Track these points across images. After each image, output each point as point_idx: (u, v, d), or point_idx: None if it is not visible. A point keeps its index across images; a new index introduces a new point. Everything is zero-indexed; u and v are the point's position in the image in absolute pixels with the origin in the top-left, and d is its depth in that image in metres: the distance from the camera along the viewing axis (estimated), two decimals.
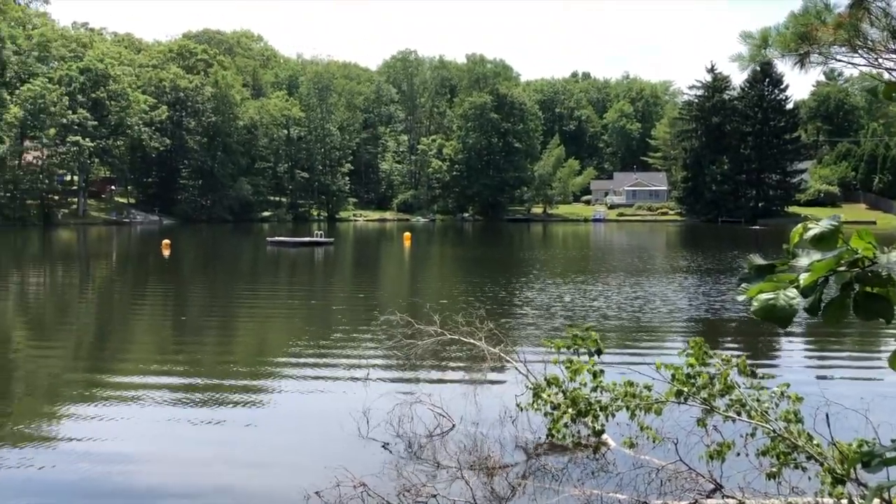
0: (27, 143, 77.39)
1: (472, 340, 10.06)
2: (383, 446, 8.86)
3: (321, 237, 50.96)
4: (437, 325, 10.20)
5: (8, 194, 75.38)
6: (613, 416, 8.31)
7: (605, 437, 8.62)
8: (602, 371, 8.59)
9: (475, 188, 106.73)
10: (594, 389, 8.52)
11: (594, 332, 8.94)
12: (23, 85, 76.33)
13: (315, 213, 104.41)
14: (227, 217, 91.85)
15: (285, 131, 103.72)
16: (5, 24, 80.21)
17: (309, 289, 27.26)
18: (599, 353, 8.89)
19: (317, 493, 6.96)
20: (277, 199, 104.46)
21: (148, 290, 26.83)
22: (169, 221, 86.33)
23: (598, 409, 8.49)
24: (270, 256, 41.53)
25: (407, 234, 58.12)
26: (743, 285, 2.40)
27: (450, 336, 10.16)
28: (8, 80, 77.80)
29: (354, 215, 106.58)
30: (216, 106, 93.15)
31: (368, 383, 11.49)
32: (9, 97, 74.71)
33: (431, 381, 11.75)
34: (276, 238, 51.21)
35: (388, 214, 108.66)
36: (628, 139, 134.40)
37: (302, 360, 13.78)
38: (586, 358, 8.75)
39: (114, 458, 8.66)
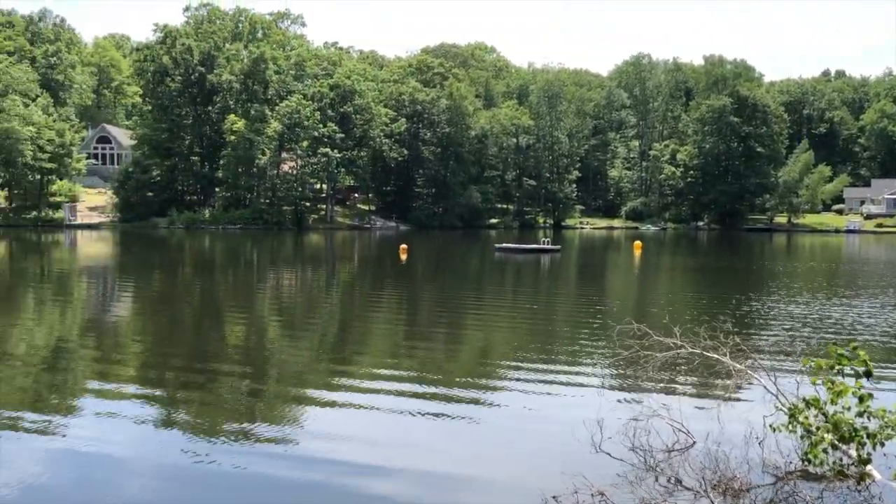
0: (284, 154, 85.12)
1: (715, 355, 9.43)
2: (618, 458, 8.45)
3: (548, 244, 50.88)
4: (677, 337, 9.65)
5: (267, 201, 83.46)
6: (882, 444, 7.55)
7: (870, 467, 7.71)
8: (870, 395, 7.75)
9: (711, 195, 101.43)
10: (860, 414, 7.68)
11: (863, 352, 7.99)
12: (281, 101, 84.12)
13: (541, 220, 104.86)
14: (457, 224, 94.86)
15: (514, 140, 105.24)
16: (269, 47, 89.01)
17: (536, 295, 27.21)
18: (869, 375, 7.95)
19: (554, 497, 6.79)
20: (505, 206, 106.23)
21: (385, 291, 28.24)
22: (405, 227, 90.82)
23: (864, 436, 7.68)
24: (498, 263, 42.12)
25: (637, 242, 56.43)
26: None
27: (690, 349, 9.58)
28: (269, 97, 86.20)
29: (581, 223, 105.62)
30: (450, 117, 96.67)
31: (602, 393, 11.12)
32: (270, 113, 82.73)
33: (670, 395, 11.09)
34: (504, 245, 51.88)
35: (615, 222, 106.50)
36: (890, 142, 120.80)
37: (530, 366, 13.64)
38: (850, 380, 7.92)
39: (345, 440, 9.18)
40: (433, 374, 12.95)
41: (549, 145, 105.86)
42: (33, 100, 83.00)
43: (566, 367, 13.44)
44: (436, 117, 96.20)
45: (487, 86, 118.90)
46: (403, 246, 46.62)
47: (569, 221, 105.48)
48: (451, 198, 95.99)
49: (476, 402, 11.17)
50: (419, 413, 10.43)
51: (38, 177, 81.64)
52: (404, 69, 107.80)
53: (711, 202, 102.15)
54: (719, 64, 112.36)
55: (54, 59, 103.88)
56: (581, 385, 12.09)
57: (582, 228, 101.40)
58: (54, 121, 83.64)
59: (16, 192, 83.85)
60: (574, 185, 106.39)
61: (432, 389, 11.80)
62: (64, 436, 9.30)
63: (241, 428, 9.64)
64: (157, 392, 11.65)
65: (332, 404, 10.86)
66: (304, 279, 32.66)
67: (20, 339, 16.36)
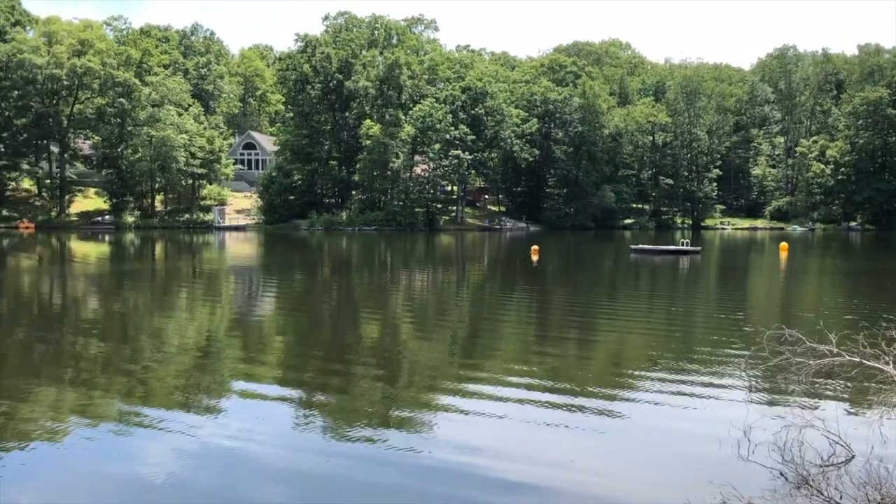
0: (416, 157, 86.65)
1: (876, 364, 8.64)
2: (768, 468, 7.92)
3: (686, 246, 49.04)
4: (833, 344, 8.93)
5: (400, 203, 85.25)
6: None
7: None
8: None
9: (865, 194, 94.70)
10: None
11: None
12: (415, 106, 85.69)
13: (679, 220, 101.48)
14: (589, 224, 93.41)
15: (650, 137, 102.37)
16: (403, 53, 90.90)
17: (675, 299, 26.19)
18: None
19: None
20: (640, 206, 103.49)
21: (516, 293, 28.05)
22: (535, 228, 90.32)
23: None
24: (633, 264, 40.98)
25: (783, 244, 53.51)
26: None
27: (849, 357, 8.82)
28: (403, 102, 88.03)
29: (721, 223, 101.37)
30: (583, 116, 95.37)
31: (749, 401, 10.50)
32: (403, 117, 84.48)
33: (825, 406, 10.34)
34: (640, 246, 50.46)
35: (759, 223, 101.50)
36: None
37: (669, 372, 13.06)
38: None
39: (476, 450, 9.05)
40: (566, 381, 12.64)
41: (687, 143, 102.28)
42: (186, 109, 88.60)
43: (708, 374, 12.79)
44: (568, 116, 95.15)
45: (622, 83, 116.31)
46: (535, 247, 46.25)
47: (708, 222, 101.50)
48: (584, 198, 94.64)
49: (611, 409, 10.80)
50: (552, 421, 10.20)
51: (191, 181, 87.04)
52: (536, 69, 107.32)
53: (865, 201, 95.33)
54: (875, 53, 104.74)
55: (204, 70, 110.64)
56: (725, 392, 11.49)
57: (723, 229, 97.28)
58: (205, 129, 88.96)
59: (170, 195, 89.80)
60: (714, 184, 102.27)
61: (565, 397, 11.51)
62: (208, 432, 9.73)
63: (373, 433, 9.74)
64: (296, 393, 12.00)
65: (462, 411, 10.79)
66: (435, 280, 33.00)
67: (174, 334, 17.39)
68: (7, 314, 21.47)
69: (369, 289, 29.28)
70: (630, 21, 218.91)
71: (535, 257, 43.05)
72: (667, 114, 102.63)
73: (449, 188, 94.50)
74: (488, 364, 14.32)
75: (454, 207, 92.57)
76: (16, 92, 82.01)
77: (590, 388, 12.07)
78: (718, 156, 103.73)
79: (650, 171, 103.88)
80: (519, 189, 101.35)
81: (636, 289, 29.98)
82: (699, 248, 49.47)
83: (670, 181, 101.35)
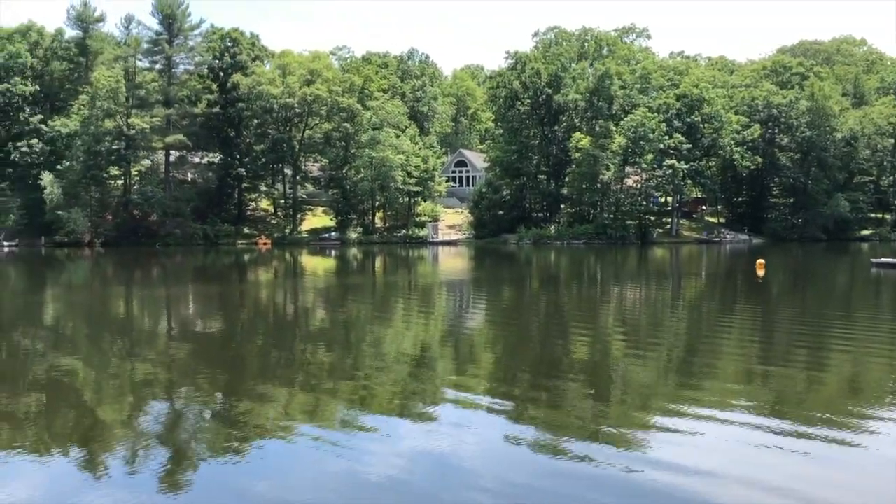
0: (628, 168, 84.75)
1: None
2: None
3: None
4: None
5: (611, 215, 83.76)
6: None
7: None
8: None
9: None
10: None
11: None
12: (626, 116, 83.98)
13: None
14: (819, 236, 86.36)
15: (892, 140, 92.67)
16: (614, 63, 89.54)
17: None
18: None
19: None
20: (880, 215, 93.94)
21: (738, 310, 26.45)
22: (758, 240, 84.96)
23: None
24: (875, 280, 37.17)
25: None
26: None
27: None
28: (614, 112, 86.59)
29: None
30: (811, 120, 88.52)
31: None
32: (614, 128, 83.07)
33: None
34: (882, 260, 45.66)
35: None
36: None
37: None
38: None
39: (690, 471, 8.66)
40: (792, 405, 11.67)
41: None
42: (403, 131, 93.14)
43: None
44: (794, 121, 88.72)
45: (857, 83, 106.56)
46: (760, 261, 43.35)
47: None
48: (813, 207, 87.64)
49: (845, 438, 9.81)
50: (774, 445, 9.48)
51: (407, 199, 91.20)
52: (757, 72, 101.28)
53: None
54: None
55: (420, 92, 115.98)
56: None
57: None
58: (420, 148, 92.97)
59: (389, 212, 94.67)
60: None
61: (790, 421, 10.61)
62: (421, 438, 10.07)
63: (584, 449, 9.57)
64: (506, 405, 12.08)
65: (677, 430, 10.29)
66: (648, 295, 31.94)
67: (391, 344, 18.23)
68: (247, 323, 23.65)
69: (579, 303, 28.95)
70: (865, 15, 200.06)
71: (760, 272, 40.33)
72: None
73: (663, 199, 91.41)
74: (706, 383, 13.57)
75: (668, 219, 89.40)
76: (255, 120, 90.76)
77: (819, 414, 11.04)
78: None
79: (891, 178, 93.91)
80: (739, 199, 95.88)
81: (878, 308, 27.10)
82: None
83: None
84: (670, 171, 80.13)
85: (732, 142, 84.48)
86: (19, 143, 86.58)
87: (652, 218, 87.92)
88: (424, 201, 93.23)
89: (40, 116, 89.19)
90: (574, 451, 9.44)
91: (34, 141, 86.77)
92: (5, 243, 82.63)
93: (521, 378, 14.18)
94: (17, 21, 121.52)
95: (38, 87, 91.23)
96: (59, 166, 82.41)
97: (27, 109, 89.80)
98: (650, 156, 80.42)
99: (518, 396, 12.60)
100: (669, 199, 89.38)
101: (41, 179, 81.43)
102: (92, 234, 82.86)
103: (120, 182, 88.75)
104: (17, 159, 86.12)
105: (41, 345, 18.81)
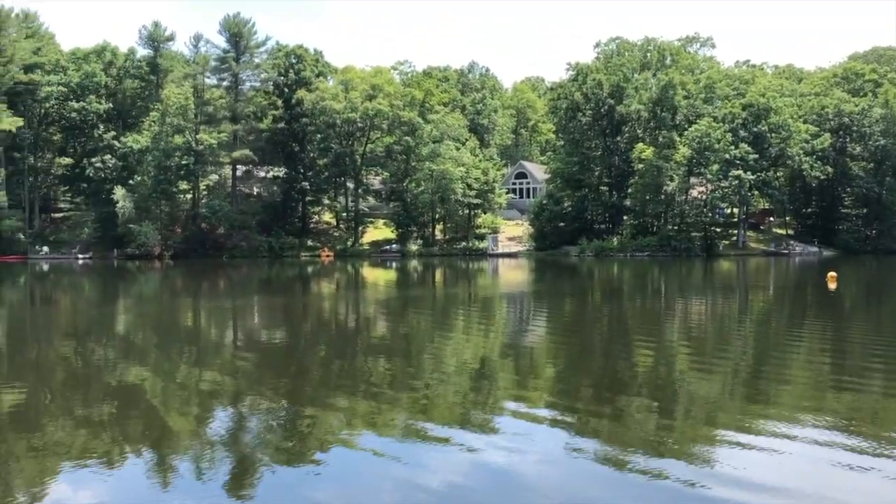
0: (692, 179, 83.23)
1: None
2: None
3: None
4: None
5: (675, 227, 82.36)
6: None
7: None
8: None
9: None
10: None
11: None
12: (690, 126, 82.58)
13: None
14: (895, 248, 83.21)
15: None
16: (677, 73, 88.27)
17: None
18: None
19: None
20: None
21: (808, 324, 25.67)
22: (828, 253, 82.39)
23: None
24: None
25: None
26: None
27: None
28: (678, 123, 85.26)
29: None
30: (885, 128, 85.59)
31: None
32: (678, 139, 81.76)
33: None
34: None
35: None
36: None
37: None
38: None
39: (758, 488, 8.45)
40: (866, 422, 11.26)
41: None
42: (463, 143, 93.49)
43: None
44: (867, 129, 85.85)
45: None
46: (832, 274, 42.03)
47: None
48: (888, 218, 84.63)
49: None
50: (847, 463, 9.16)
51: (467, 211, 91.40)
52: (827, 80, 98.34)
53: None
54: None
55: (480, 105, 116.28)
56: None
57: None
58: (480, 161, 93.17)
59: (449, 225, 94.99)
60: None
61: (864, 439, 10.23)
62: (482, 448, 10.04)
63: (648, 464, 9.41)
64: (567, 417, 11.98)
65: (744, 445, 10.02)
66: (714, 308, 31.25)
67: (452, 355, 18.26)
68: (311, 333, 24.01)
69: (642, 317, 28.51)
70: None
71: (832, 285, 39.03)
72: None
73: (729, 210, 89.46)
74: (774, 398, 13.19)
75: (735, 231, 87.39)
76: (318, 135, 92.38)
77: (893, 433, 10.63)
78: None
79: None
80: (809, 210, 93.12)
81: None
82: None
83: None
84: (736, 181, 78.37)
85: (801, 151, 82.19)
86: (94, 159, 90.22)
87: (718, 230, 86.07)
88: (484, 213, 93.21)
89: (113, 133, 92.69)
90: (637, 466, 9.28)
91: (107, 157, 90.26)
92: (80, 256, 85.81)
93: (583, 391, 14.03)
94: (93, 42, 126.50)
95: (111, 105, 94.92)
96: (130, 181, 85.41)
97: (101, 126, 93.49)
98: (715, 166, 78.84)
99: (580, 409, 12.47)
100: (735, 210, 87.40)
101: (114, 194, 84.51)
102: (162, 246, 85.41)
103: (189, 196, 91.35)
104: (91, 174, 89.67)
105: (114, 354, 19.47)
